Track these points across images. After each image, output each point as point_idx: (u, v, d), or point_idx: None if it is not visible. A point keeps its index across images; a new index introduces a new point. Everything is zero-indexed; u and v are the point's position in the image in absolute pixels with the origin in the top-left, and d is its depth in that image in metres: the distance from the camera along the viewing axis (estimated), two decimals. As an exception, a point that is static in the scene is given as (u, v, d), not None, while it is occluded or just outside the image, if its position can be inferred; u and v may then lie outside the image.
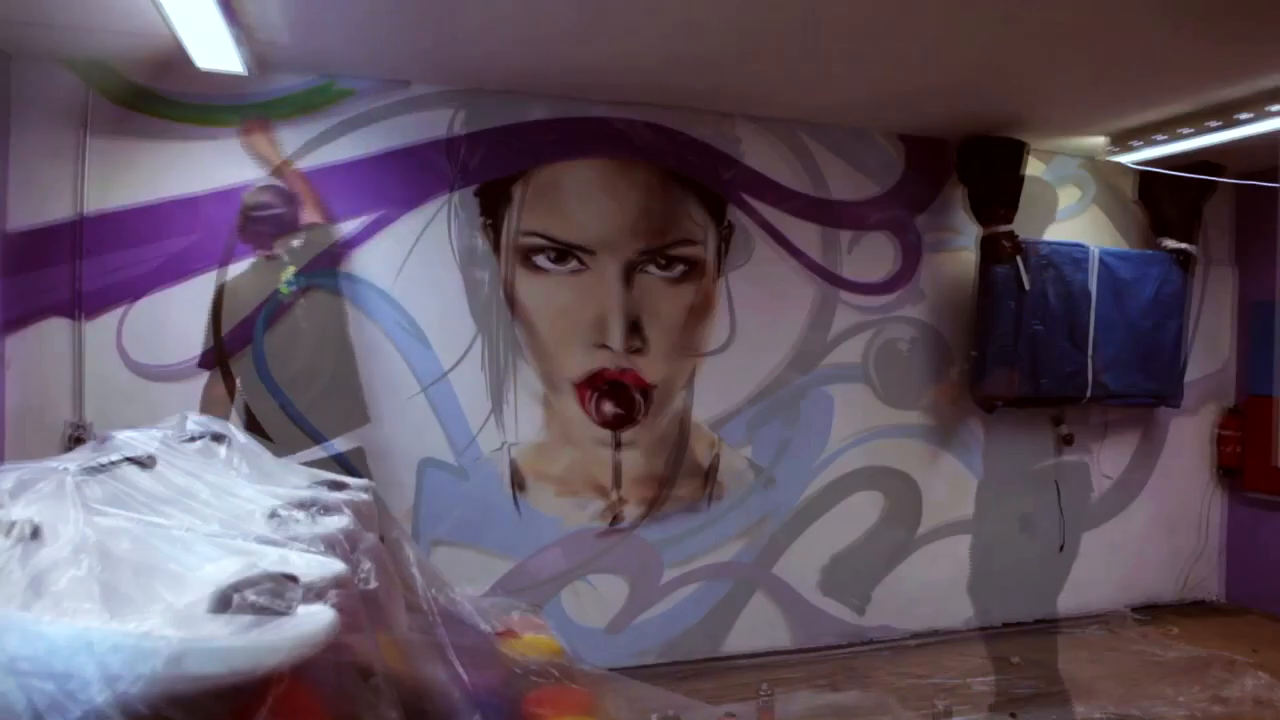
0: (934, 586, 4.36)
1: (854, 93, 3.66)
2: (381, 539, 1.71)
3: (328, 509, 1.66)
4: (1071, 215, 4.60)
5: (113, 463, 1.37)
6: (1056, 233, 4.50)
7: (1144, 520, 4.81)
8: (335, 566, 1.32)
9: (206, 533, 1.26)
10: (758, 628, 4.04)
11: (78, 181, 3.19)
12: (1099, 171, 4.63)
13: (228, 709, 0.91)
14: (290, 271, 3.35)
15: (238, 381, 3.36)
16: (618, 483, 3.83)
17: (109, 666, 0.84)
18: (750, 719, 3.00)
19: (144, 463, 1.43)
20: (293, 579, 1.14)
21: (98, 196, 3.21)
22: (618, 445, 3.83)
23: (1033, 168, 4.34)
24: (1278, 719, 3.30)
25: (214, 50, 2.90)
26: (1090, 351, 4.35)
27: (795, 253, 4.10)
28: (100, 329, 3.22)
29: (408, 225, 3.56)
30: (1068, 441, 4.57)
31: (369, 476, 3.24)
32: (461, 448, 3.63)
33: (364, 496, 1.92)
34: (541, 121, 3.70)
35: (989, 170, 4.16)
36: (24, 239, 3.14)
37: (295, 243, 3.35)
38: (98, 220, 3.21)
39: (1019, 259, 4.13)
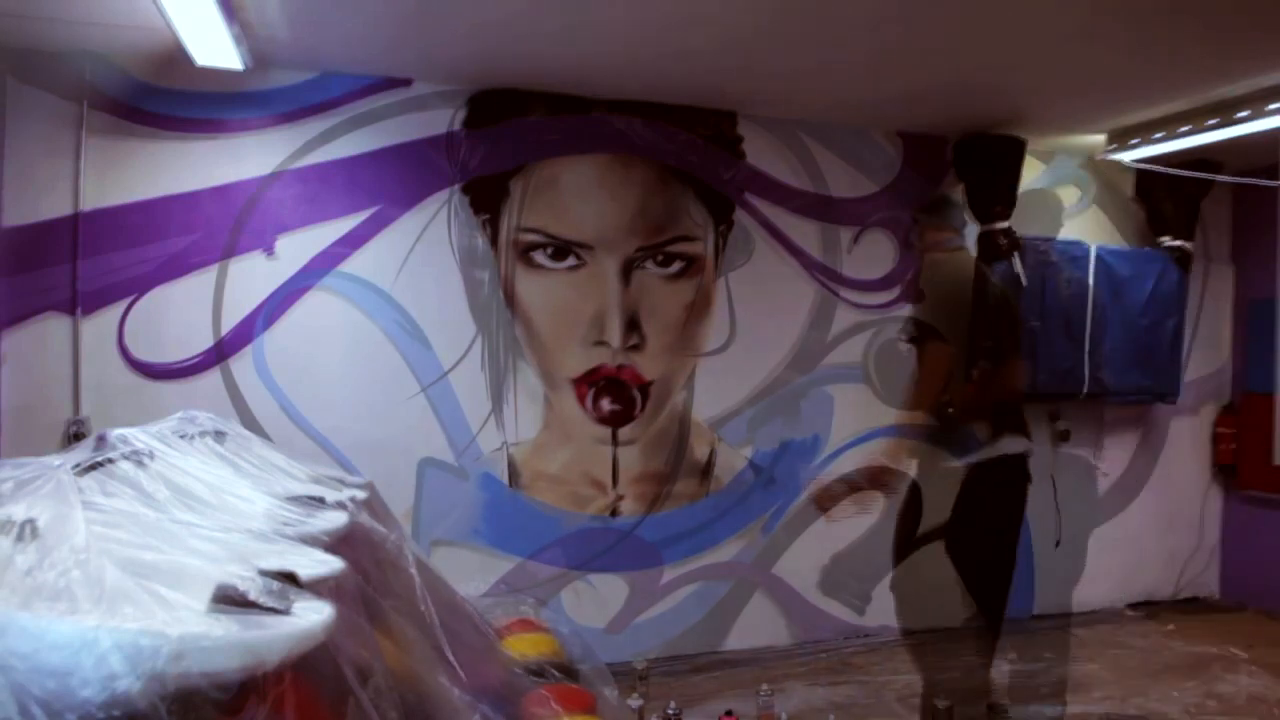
0: (935, 585, 4.35)
1: (853, 90, 3.66)
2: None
3: (327, 507, 1.66)
4: (1071, 214, 4.60)
5: (111, 460, 1.36)
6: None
7: (1141, 518, 4.82)
8: (334, 564, 1.32)
9: (206, 530, 1.26)
10: (758, 628, 4.04)
11: (75, 177, 3.18)
12: (1098, 170, 4.63)
13: (228, 707, 0.91)
14: None
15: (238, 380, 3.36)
16: (616, 480, 3.83)
17: (109, 664, 0.84)
18: (750, 718, 3.00)
19: (143, 460, 1.42)
20: (292, 576, 1.13)
21: (95, 193, 3.20)
22: (616, 442, 3.83)
23: (1031, 170, 4.35)
24: (1272, 716, 3.31)
25: (213, 46, 2.89)
26: (1087, 348, 4.35)
27: (795, 251, 4.10)
28: (99, 326, 3.21)
29: (408, 224, 3.55)
30: (1064, 438, 4.57)
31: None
32: (461, 447, 3.63)
33: (362, 495, 1.92)
34: (541, 119, 3.70)
35: (987, 168, 4.17)
36: (21, 235, 3.13)
37: None
38: (95, 216, 3.20)
39: (1016, 256, 4.13)
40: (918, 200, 4.28)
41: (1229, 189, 4.71)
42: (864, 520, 4.18)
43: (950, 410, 3.17)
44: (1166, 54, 3.17)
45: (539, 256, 3.72)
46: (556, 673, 2.06)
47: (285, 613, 1.03)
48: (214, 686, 0.89)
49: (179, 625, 0.91)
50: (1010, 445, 3.18)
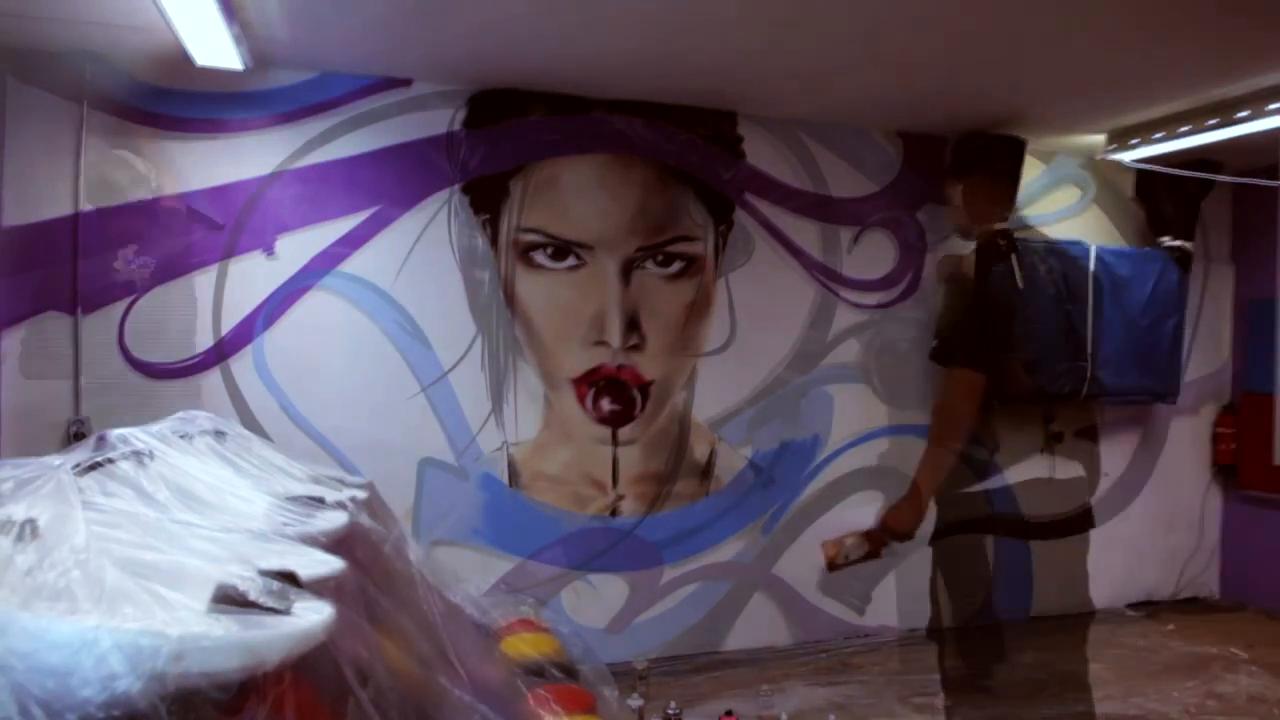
0: (934, 585, 4.35)
1: (853, 90, 3.66)
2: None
3: (327, 507, 1.66)
4: (1071, 214, 4.61)
5: (111, 460, 1.36)
6: (1056, 231, 4.50)
7: (1142, 518, 4.81)
8: (334, 564, 1.32)
9: (206, 530, 1.26)
10: (758, 628, 4.04)
11: (75, 177, 3.18)
12: (1098, 170, 4.63)
13: (228, 707, 0.91)
14: None
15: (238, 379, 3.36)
16: (616, 480, 3.83)
17: (109, 664, 0.84)
18: (750, 718, 3.00)
19: (143, 460, 1.42)
20: (292, 576, 1.13)
21: (96, 192, 3.20)
22: (616, 442, 3.83)
23: (1031, 170, 4.32)
24: (1272, 716, 3.31)
25: (213, 47, 2.89)
26: (1088, 349, 4.35)
27: (795, 252, 4.10)
28: (100, 326, 3.21)
29: (408, 224, 3.55)
30: (1057, 439, 4.57)
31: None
32: (461, 447, 3.63)
33: (363, 495, 1.92)
34: (541, 119, 3.70)
35: (986, 168, 4.16)
36: (21, 235, 3.13)
37: None
38: (95, 216, 3.20)
39: (1015, 257, 4.13)
40: (917, 200, 4.29)
41: (1229, 189, 4.71)
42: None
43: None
44: (1166, 54, 3.17)
45: (539, 256, 3.72)
46: (557, 672, 2.07)
47: (285, 613, 1.03)
48: (214, 686, 0.89)
49: (179, 625, 0.91)
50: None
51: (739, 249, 4.00)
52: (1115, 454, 4.75)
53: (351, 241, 3.49)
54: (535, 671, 2.03)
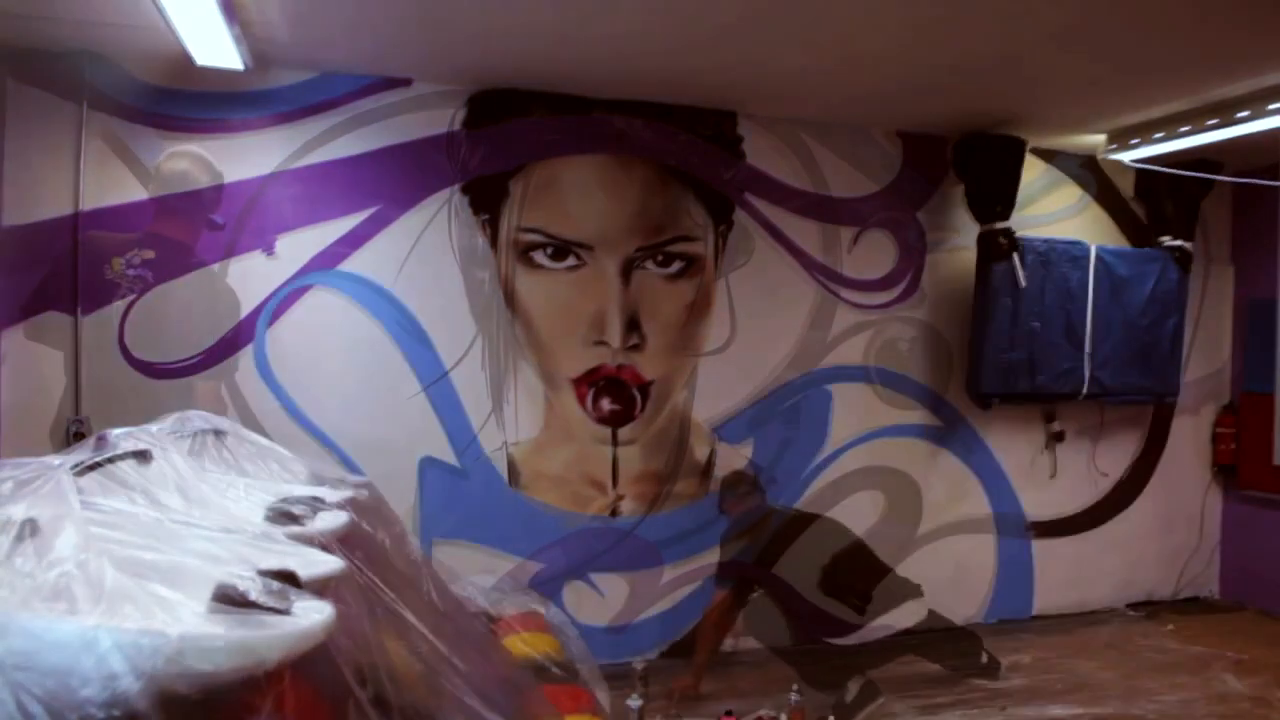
0: (935, 585, 4.34)
1: (854, 90, 3.66)
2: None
3: (327, 507, 1.66)
4: (1071, 214, 4.60)
5: (110, 460, 1.36)
6: (1056, 231, 4.50)
7: (1142, 518, 4.81)
8: (334, 564, 1.32)
9: (206, 530, 1.26)
10: (758, 627, 4.03)
11: (75, 176, 3.18)
12: (1098, 170, 4.63)
13: (228, 706, 0.91)
14: None
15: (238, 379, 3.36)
16: (616, 480, 3.83)
17: (109, 664, 0.84)
18: (752, 718, 3.00)
19: (143, 460, 1.42)
20: (292, 576, 1.13)
21: (95, 193, 3.20)
22: (616, 442, 3.83)
23: (1031, 170, 4.32)
24: (1271, 716, 3.31)
25: (213, 46, 2.90)
26: (1087, 349, 4.35)
27: (795, 252, 4.10)
28: (99, 326, 3.21)
29: (409, 223, 3.55)
30: (1058, 438, 4.57)
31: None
32: (462, 447, 3.63)
33: (363, 494, 1.92)
34: (541, 119, 3.70)
35: (986, 167, 4.16)
36: (21, 235, 3.13)
37: None
38: (95, 216, 3.20)
39: (1016, 256, 4.13)
40: (918, 200, 4.29)
41: (1229, 189, 4.70)
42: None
43: None
44: (1167, 54, 3.17)
45: (539, 256, 3.72)
46: (557, 671, 2.07)
47: (285, 613, 1.03)
48: (214, 686, 0.89)
49: (179, 625, 0.91)
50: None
51: (739, 249, 4.00)
52: (1115, 454, 4.75)
53: (352, 241, 3.49)
54: (536, 670, 2.03)
